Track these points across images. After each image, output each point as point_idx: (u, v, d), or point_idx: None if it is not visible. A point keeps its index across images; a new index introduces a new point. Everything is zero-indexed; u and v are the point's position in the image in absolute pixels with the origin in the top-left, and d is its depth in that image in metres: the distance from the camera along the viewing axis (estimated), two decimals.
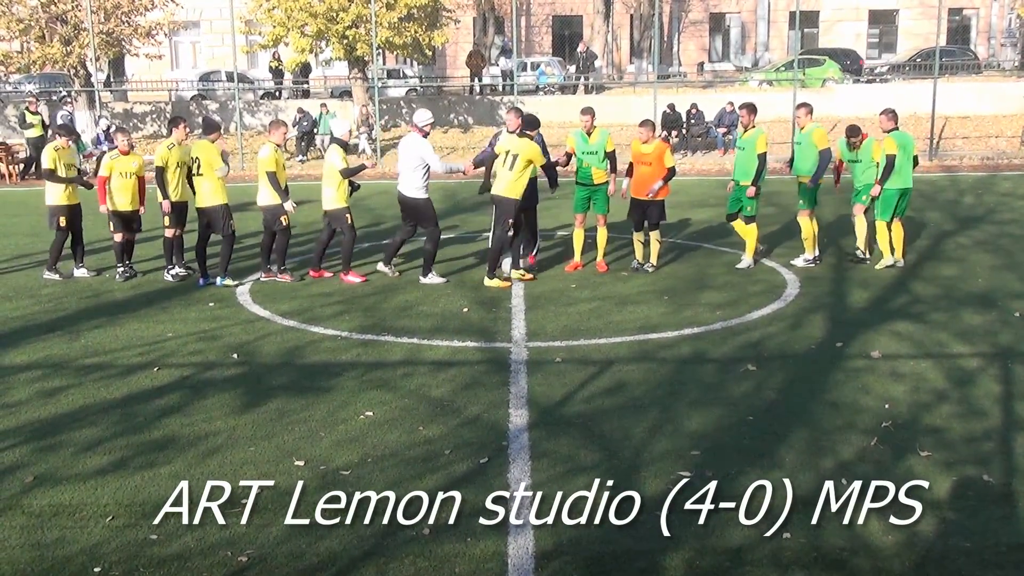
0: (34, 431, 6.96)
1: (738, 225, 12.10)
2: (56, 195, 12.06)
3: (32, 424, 7.10)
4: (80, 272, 12.12)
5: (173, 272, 11.92)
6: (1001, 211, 16.00)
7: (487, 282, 11.22)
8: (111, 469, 6.27)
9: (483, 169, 11.76)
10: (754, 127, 11.84)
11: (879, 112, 12.25)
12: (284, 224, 11.68)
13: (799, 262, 11.93)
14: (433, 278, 11.46)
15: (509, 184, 11.03)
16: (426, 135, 11.59)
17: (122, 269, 12.05)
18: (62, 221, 12.03)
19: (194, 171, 11.73)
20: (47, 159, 11.96)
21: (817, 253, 12.01)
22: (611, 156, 11.73)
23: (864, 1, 48.56)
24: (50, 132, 26.60)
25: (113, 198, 11.93)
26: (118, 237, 11.97)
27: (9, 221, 17.31)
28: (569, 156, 12.07)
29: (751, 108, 11.94)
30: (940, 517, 5.48)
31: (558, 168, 11.75)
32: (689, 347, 8.81)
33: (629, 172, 11.90)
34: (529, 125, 11.21)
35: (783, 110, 27.95)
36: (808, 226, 11.88)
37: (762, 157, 11.61)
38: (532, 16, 49.27)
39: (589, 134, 11.78)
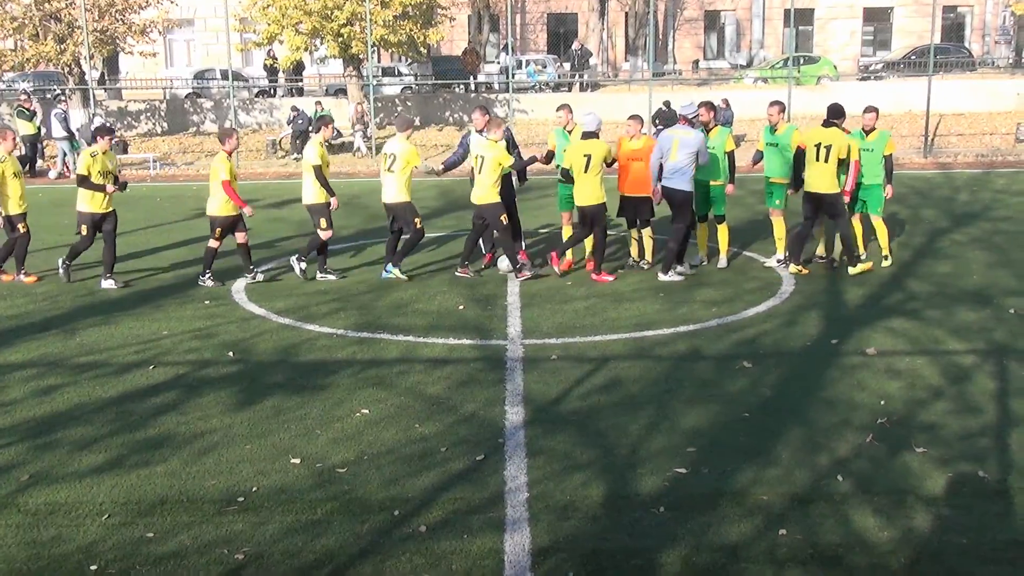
0: (29, 429, 6.95)
1: (705, 228, 12.04)
2: (87, 201, 11.51)
3: (27, 422, 7.09)
4: (108, 284, 11.43)
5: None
6: (996, 208, 16.03)
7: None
8: (107, 467, 6.27)
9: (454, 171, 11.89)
10: (718, 126, 11.79)
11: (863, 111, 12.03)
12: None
13: (771, 262, 11.83)
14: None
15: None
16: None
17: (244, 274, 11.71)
18: (84, 229, 11.57)
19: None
20: (82, 165, 11.41)
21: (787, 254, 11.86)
22: (530, 159, 11.78)
23: None
24: (43, 131, 26.67)
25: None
26: (233, 240, 11.56)
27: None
28: (550, 154, 12.05)
29: (709, 106, 11.86)
30: (935, 513, 5.50)
31: (535, 166, 12.02)
32: (685, 344, 8.82)
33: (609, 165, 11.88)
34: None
35: None
36: (782, 226, 11.76)
37: (730, 155, 11.60)
38: (527, 14, 49.26)
39: (570, 131, 11.78)
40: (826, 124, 11.23)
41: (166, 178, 24.89)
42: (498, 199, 11.22)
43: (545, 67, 37.83)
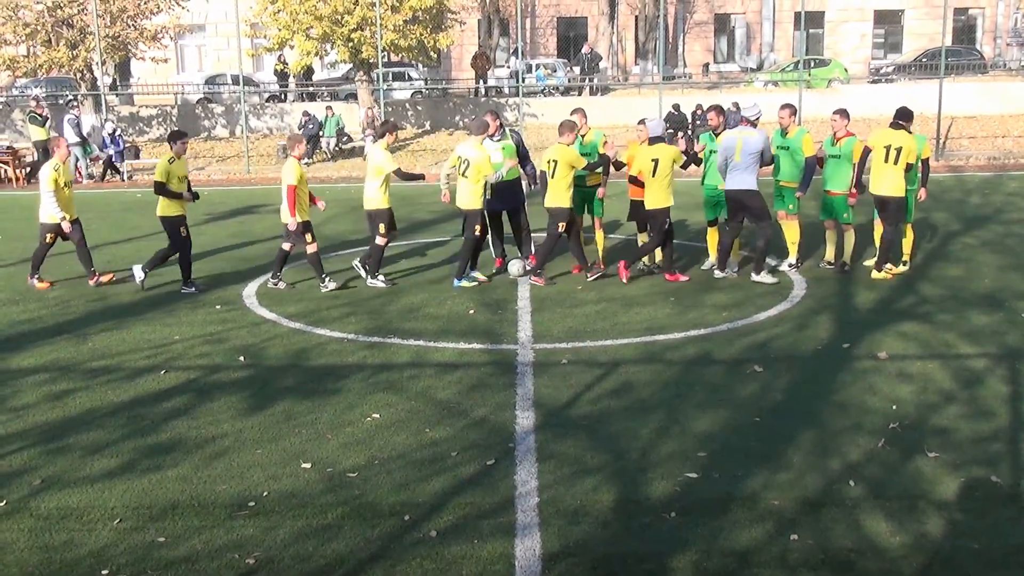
0: (42, 434, 6.98)
1: (716, 232, 12.02)
2: (172, 206, 11.46)
3: (40, 427, 7.12)
4: (188, 290, 11.42)
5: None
6: (1008, 211, 15.96)
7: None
8: (119, 472, 6.29)
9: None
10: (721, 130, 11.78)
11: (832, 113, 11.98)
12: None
13: (783, 266, 11.79)
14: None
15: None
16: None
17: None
18: (183, 231, 11.51)
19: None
20: (160, 172, 11.32)
21: (799, 256, 11.83)
22: (604, 158, 11.73)
23: (869, 1, 48.47)
24: (53, 134, 26.77)
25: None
26: (312, 248, 11.48)
27: (16, 225, 17.34)
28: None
29: (719, 110, 11.86)
30: (948, 518, 5.47)
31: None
32: (695, 348, 8.81)
33: (615, 168, 11.88)
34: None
35: None
36: (795, 230, 11.72)
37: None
38: (537, 18, 49.28)
39: (583, 136, 11.78)
40: (894, 126, 11.19)
41: None
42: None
43: (555, 71, 37.85)
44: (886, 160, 10.96)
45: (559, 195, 11.20)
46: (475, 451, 6.51)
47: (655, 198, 11.14)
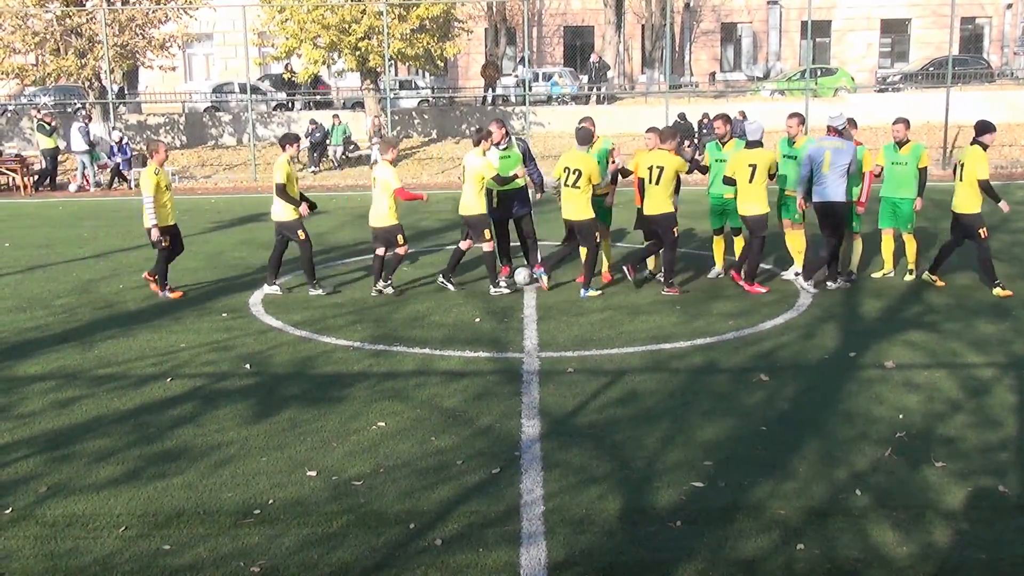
0: (48, 441, 6.99)
1: (722, 240, 12.01)
2: (288, 210, 11.45)
3: (46, 434, 7.13)
4: (272, 289, 11.57)
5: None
6: (1015, 220, 15.92)
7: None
8: (124, 479, 6.29)
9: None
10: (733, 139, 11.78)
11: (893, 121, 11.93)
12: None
13: (788, 274, 11.78)
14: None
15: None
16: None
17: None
18: (301, 234, 11.47)
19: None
20: (281, 173, 11.27)
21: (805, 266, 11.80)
22: (622, 170, 11.71)
23: (876, 10, 48.50)
24: (63, 144, 26.89)
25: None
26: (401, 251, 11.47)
27: (23, 233, 17.41)
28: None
29: (726, 119, 11.87)
30: (955, 528, 5.45)
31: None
32: (701, 357, 8.79)
33: (622, 175, 11.86)
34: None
35: None
36: (801, 239, 11.69)
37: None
38: (544, 27, 49.39)
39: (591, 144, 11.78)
40: (974, 141, 11.17)
41: (184, 191, 25.04)
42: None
43: (563, 79, 37.92)
44: (955, 177, 10.99)
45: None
46: (481, 459, 6.51)
47: (751, 204, 11.03)
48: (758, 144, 11.09)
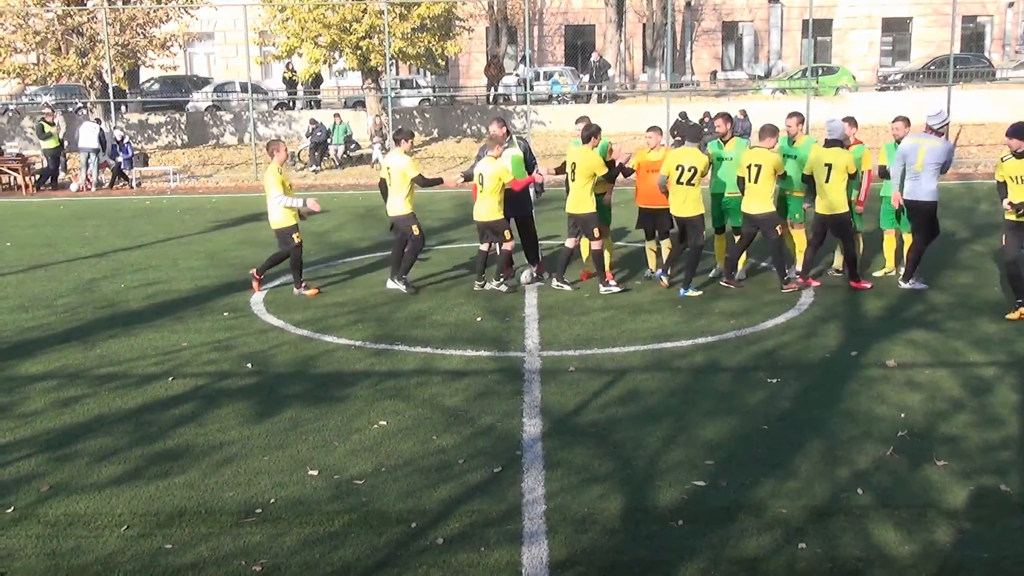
0: (49, 441, 6.99)
1: (723, 239, 12.00)
2: (410, 204, 11.47)
3: (47, 434, 7.13)
4: (394, 285, 11.62)
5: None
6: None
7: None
8: (126, 478, 6.30)
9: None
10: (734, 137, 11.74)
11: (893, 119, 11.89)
12: (416, 232, 11.46)
13: (791, 273, 11.75)
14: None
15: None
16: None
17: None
18: (415, 229, 11.47)
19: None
20: (412, 166, 11.35)
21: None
22: (610, 165, 11.71)
23: (877, 9, 48.49)
24: (66, 143, 26.92)
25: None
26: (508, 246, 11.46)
27: (25, 232, 17.42)
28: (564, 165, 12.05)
29: (726, 117, 11.84)
30: (957, 527, 5.45)
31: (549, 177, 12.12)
32: (703, 356, 8.79)
33: (624, 175, 11.85)
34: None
35: None
36: (803, 238, 11.63)
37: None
38: (545, 25, 49.39)
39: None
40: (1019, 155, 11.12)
41: (186, 190, 25.06)
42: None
43: (568, 79, 37.93)
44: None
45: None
46: (482, 458, 6.51)
47: (830, 203, 10.97)
48: (837, 143, 10.93)
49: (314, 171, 28.01)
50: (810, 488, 5.97)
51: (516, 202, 11.82)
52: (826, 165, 10.83)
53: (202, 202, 22.03)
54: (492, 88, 35.76)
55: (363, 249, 14.59)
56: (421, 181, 11.42)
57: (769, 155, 10.85)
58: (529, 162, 12.02)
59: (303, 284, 11.62)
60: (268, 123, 33.03)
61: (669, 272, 11.55)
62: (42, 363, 8.95)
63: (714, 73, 48.40)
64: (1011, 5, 49.01)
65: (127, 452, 6.74)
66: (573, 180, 11.14)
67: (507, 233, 11.33)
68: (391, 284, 11.66)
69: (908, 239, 11.46)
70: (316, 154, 28.57)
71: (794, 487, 5.98)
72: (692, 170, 10.82)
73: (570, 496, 5.91)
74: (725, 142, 11.69)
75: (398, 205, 11.39)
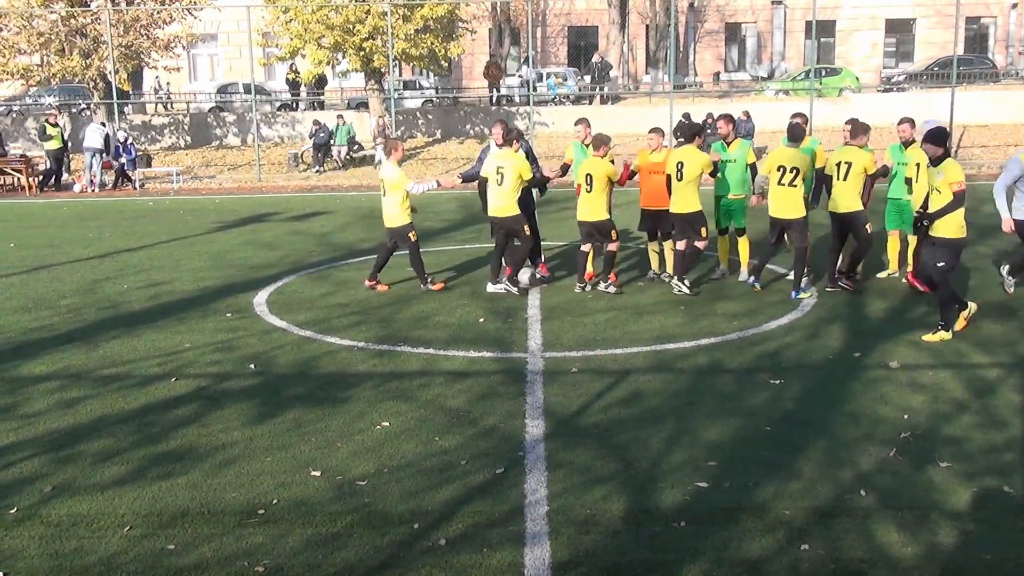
0: (52, 441, 6.99)
1: (726, 241, 11.99)
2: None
3: (50, 434, 7.14)
4: (499, 287, 11.49)
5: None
6: None
7: (491, 288, 11.40)
8: (129, 479, 6.30)
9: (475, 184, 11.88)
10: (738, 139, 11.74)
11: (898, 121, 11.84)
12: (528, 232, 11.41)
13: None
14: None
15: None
16: None
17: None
18: (528, 229, 11.43)
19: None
20: (526, 168, 11.25)
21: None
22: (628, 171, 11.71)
23: (880, 10, 48.45)
24: (70, 145, 26.96)
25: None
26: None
27: (28, 233, 17.45)
28: (566, 167, 12.05)
29: (729, 118, 11.84)
30: (960, 529, 5.44)
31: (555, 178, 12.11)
32: (706, 357, 8.79)
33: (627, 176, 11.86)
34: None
35: None
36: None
37: (752, 167, 11.57)
38: (547, 27, 49.39)
39: (587, 145, 11.77)
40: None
41: (189, 191, 25.09)
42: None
43: (565, 79, 37.92)
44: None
45: (599, 208, 11.15)
46: (485, 459, 6.50)
47: (503, 206, 11.09)
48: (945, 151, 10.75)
49: (317, 172, 28.03)
50: (813, 489, 5.96)
51: (520, 203, 11.81)
52: (846, 163, 10.82)
53: (205, 203, 22.05)
54: (493, 90, 35.76)
55: (366, 250, 14.59)
56: (536, 180, 11.44)
57: (860, 153, 10.80)
58: (530, 163, 11.99)
59: (429, 279, 11.69)
60: (271, 124, 33.06)
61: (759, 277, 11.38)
62: (45, 364, 8.96)
63: (717, 74, 48.38)
64: (1015, 6, 48.96)
65: (130, 453, 6.75)
66: (589, 191, 11.11)
67: (613, 233, 11.28)
68: (491, 287, 11.53)
69: (912, 241, 11.44)
70: (319, 155, 28.59)
71: (797, 488, 5.98)
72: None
73: (572, 497, 5.90)
74: (728, 143, 11.69)
75: (506, 203, 11.22)
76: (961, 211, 9.05)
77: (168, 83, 39.41)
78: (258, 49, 30.67)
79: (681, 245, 11.17)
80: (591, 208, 11.19)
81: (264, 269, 13.23)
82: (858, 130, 10.97)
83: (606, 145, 11.25)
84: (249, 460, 6.58)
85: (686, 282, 11.15)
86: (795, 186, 10.71)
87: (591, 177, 11.08)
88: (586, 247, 11.50)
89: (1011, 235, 10.83)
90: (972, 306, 9.45)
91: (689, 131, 11.32)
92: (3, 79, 29.46)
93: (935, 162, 9.17)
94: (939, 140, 9.18)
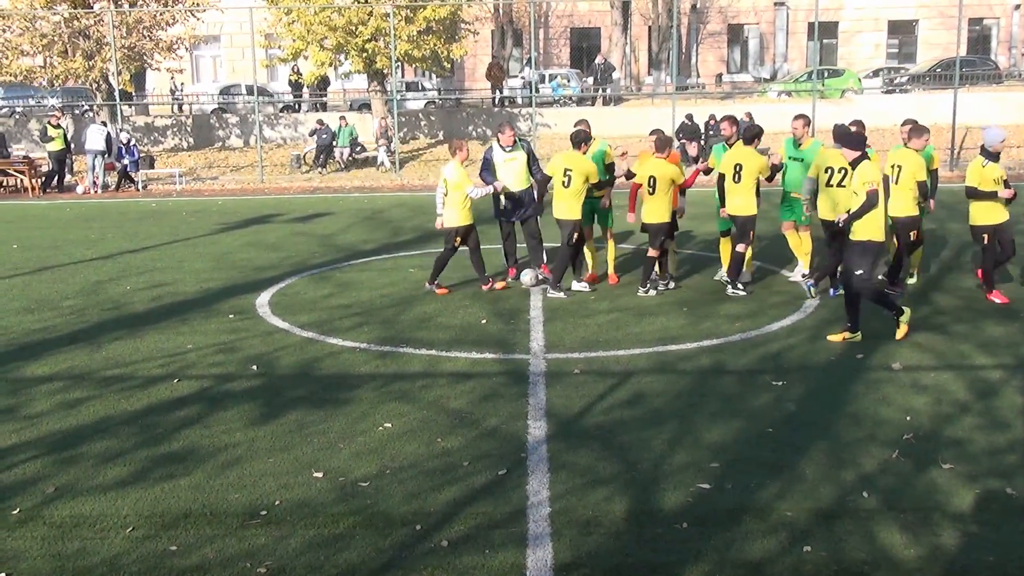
0: (55, 442, 7.00)
1: (728, 242, 11.97)
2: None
3: (53, 435, 7.14)
4: (580, 286, 11.59)
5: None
6: (1022, 222, 15.86)
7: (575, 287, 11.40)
8: (131, 480, 6.30)
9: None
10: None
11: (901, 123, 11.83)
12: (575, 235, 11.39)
13: (796, 276, 11.73)
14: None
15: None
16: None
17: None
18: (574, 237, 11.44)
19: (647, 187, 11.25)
20: (592, 169, 11.33)
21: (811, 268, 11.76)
22: (610, 168, 11.71)
23: (883, 11, 48.41)
24: (73, 146, 26.98)
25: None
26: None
27: (31, 234, 17.47)
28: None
29: (732, 120, 11.84)
30: (963, 530, 5.43)
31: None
32: (708, 359, 8.78)
33: (626, 178, 11.82)
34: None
35: None
36: (808, 241, 11.60)
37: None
38: (550, 28, 49.40)
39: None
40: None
41: (191, 192, 25.11)
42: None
43: (569, 81, 37.94)
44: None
45: (571, 207, 11.18)
46: (487, 461, 6.50)
47: (566, 208, 11.15)
48: (996, 157, 10.64)
49: (319, 173, 28.04)
50: (815, 491, 5.96)
51: (523, 203, 11.84)
52: (736, 166, 10.90)
53: (208, 204, 22.06)
54: (496, 91, 35.77)
55: (368, 251, 14.61)
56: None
57: (913, 156, 10.79)
58: (531, 165, 12.01)
59: (491, 280, 11.70)
60: (274, 126, 33.08)
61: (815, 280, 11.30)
62: (48, 365, 8.97)
63: (719, 76, 48.36)
64: (1018, 7, 48.92)
65: (133, 454, 6.75)
66: (651, 193, 11.04)
67: (667, 238, 11.24)
68: (576, 285, 11.56)
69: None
70: (321, 156, 28.61)
71: (799, 490, 5.97)
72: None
73: (575, 498, 5.90)
74: (731, 145, 11.68)
75: (568, 206, 11.24)
76: (876, 212, 9.02)
77: (183, 84, 39.50)
78: (261, 51, 30.68)
79: (741, 248, 11.14)
80: (654, 210, 11.08)
81: (266, 270, 13.23)
82: (917, 132, 10.91)
83: (670, 147, 11.19)
84: (251, 461, 6.58)
85: (740, 285, 11.15)
86: (843, 187, 10.57)
87: (654, 179, 11.01)
88: (653, 252, 11.28)
89: None
90: (907, 312, 9.38)
91: (749, 132, 11.29)
92: (6, 80, 29.50)
93: (853, 164, 9.20)
94: (854, 143, 9.21)
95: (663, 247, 11.23)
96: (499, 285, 11.65)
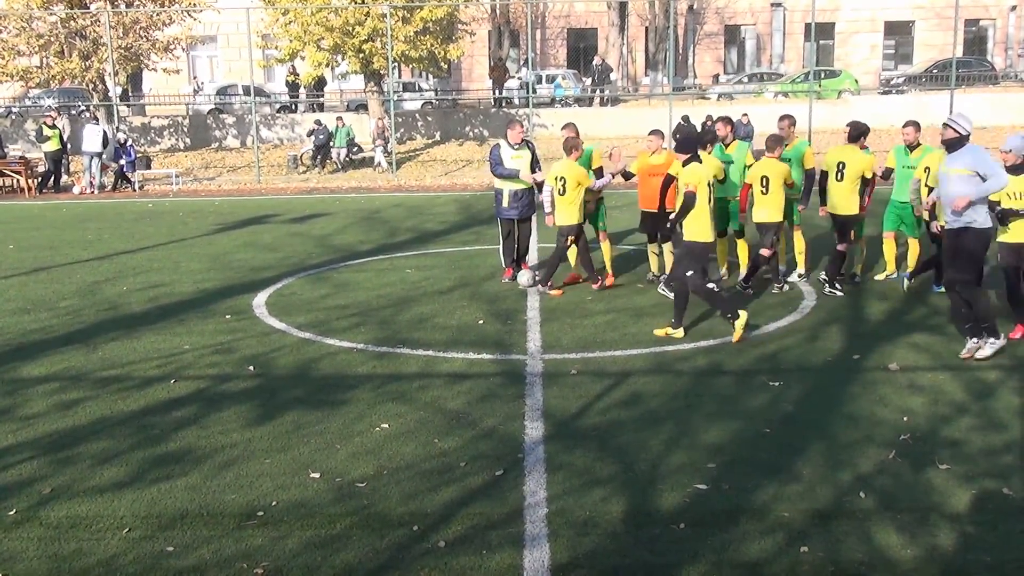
0: (51, 443, 6.99)
1: (725, 243, 11.97)
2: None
3: (49, 436, 7.13)
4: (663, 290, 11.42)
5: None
6: None
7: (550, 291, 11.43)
8: (128, 481, 6.30)
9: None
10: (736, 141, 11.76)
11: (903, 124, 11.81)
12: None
13: (793, 277, 11.74)
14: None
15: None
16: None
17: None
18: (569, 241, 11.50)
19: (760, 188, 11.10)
20: (582, 173, 11.32)
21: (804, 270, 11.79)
22: (598, 172, 11.74)
23: (880, 12, 48.49)
24: (69, 146, 26.95)
25: None
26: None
27: (27, 234, 17.44)
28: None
29: (728, 121, 11.86)
30: (960, 531, 5.44)
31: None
32: (705, 359, 8.79)
33: (624, 178, 11.86)
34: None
35: (799, 122, 27.88)
36: (801, 241, 11.63)
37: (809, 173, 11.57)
38: (547, 29, 49.41)
39: (727, 144, 11.72)
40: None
41: (188, 193, 25.09)
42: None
43: (567, 81, 37.97)
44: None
45: (569, 213, 11.19)
46: (484, 461, 6.50)
47: (565, 215, 11.20)
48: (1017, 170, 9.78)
49: (317, 173, 28.02)
50: (812, 491, 5.96)
51: (527, 203, 11.86)
52: (839, 164, 10.86)
53: (204, 205, 22.04)
54: (496, 91, 35.78)
55: (365, 252, 14.60)
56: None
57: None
58: (534, 165, 12.01)
59: (600, 279, 11.68)
60: (271, 126, 33.07)
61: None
62: (44, 365, 8.95)
63: (716, 76, 48.40)
64: (1014, 8, 49.01)
65: (129, 455, 6.75)
66: (765, 193, 10.87)
67: (772, 238, 11.11)
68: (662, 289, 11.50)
69: (913, 243, 11.43)
70: (318, 157, 28.60)
71: (796, 490, 5.98)
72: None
73: (572, 499, 5.90)
74: (727, 146, 11.69)
75: (565, 215, 11.28)
76: (701, 213, 9.41)
77: (203, 83, 39.41)
78: (257, 51, 30.66)
79: (841, 247, 11.14)
80: (768, 210, 10.95)
81: (263, 271, 13.22)
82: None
83: (781, 146, 11.10)
84: (248, 462, 6.58)
85: (837, 284, 11.14)
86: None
87: (767, 179, 10.89)
88: (767, 252, 11.10)
89: None
90: (744, 315, 9.36)
91: (855, 131, 11.27)
92: (3, 80, 29.47)
93: (684, 165, 9.60)
94: (681, 146, 9.75)
95: (774, 246, 11.20)
96: (554, 292, 11.47)
